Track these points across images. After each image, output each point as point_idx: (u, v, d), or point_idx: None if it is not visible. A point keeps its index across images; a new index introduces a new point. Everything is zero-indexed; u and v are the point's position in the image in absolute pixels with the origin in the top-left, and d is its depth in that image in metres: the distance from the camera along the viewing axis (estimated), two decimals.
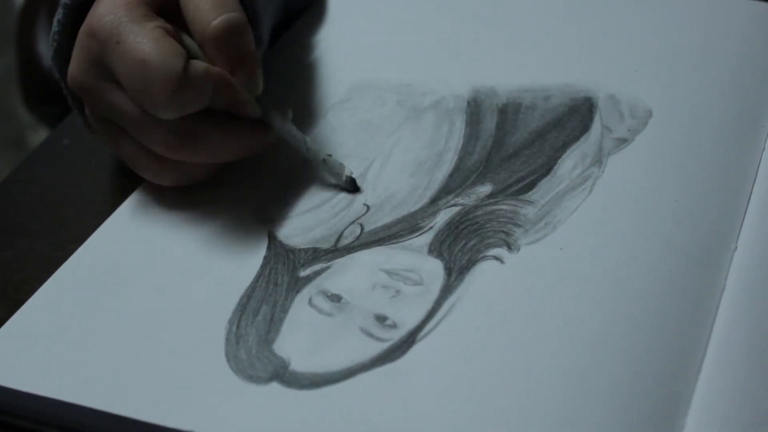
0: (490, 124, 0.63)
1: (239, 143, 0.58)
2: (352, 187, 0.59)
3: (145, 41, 0.54)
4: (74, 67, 0.57)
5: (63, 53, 0.60)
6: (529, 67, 0.67)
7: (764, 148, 0.60)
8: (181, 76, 0.54)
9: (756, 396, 0.48)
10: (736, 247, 0.55)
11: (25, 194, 0.65)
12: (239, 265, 0.55)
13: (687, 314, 0.52)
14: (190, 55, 0.56)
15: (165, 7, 0.57)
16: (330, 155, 0.60)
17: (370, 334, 0.51)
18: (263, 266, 0.55)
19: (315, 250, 0.56)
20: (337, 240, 0.57)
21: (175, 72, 0.54)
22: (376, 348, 0.51)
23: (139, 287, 0.55)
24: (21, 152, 1.47)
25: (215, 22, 0.55)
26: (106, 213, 0.59)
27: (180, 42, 0.56)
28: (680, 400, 0.48)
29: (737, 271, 0.54)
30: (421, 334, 0.51)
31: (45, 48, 0.79)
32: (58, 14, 0.60)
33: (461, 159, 0.61)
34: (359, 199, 0.59)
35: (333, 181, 0.60)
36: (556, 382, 0.49)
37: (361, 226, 0.57)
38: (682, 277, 0.53)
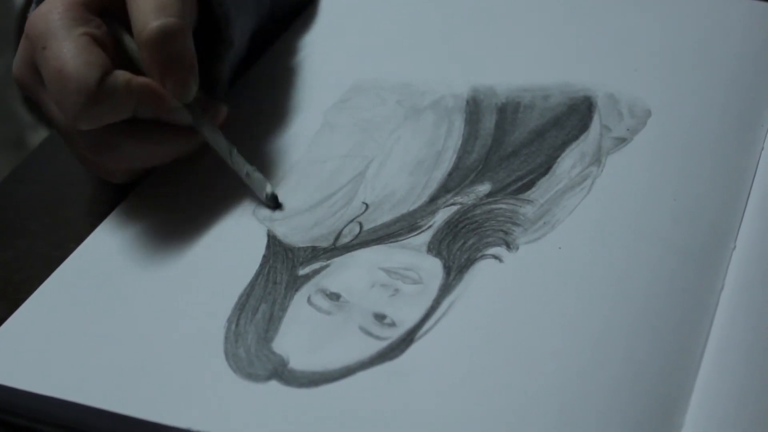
0: (489, 123, 0.63)
1: (162, 150, 0.58)
2: (273, 203, 0.58)
3: (65, 50, 0.54)
4: (15, 63, 0.58)
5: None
6: (529, 67, 0.67)
7: (763, 148, 0.60)
8: (94, 89, 0.53)
9: (754, 395, 0.48)
10: (735, 246, 0.55)
11: (25, 194, 0.65)
12: (238, 263, 0.55)
13: (685, 313, 0.52)
14: (129, 57, 0.56)
15: (110, 6, 0.57)
16: (255, 169, 0.59)
17: (368, 333, 0.51)
18: (262, 265, 0.55)
19: (314, 248, 0.56)
20: (336, 238, 0.57)
21: (88, 84, 0.53)
22: (374, 346, 0.51)
23: (138, 286, 0.55)
24: (21, 152, 1.47)
25: (150, 26, 0.55)
26: (105, 212, 0.59)
27: (120, 44, 0.56)
28: (679, 399, 0.48)
29: (736, 270, 0.54)
30: (420, 332, 0.51)
31: None
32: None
33: (460, 158, 0.61)
34: (358, 197, 0.59)
35: (258, 196, 0.59)
36: (554, 381, 0.49)
37: (360, 224, 0.57)
38: (680, 276, 0.53)
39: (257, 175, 0.59)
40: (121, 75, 0.55)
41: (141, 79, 0.56)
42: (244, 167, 0.59)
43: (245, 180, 0.59)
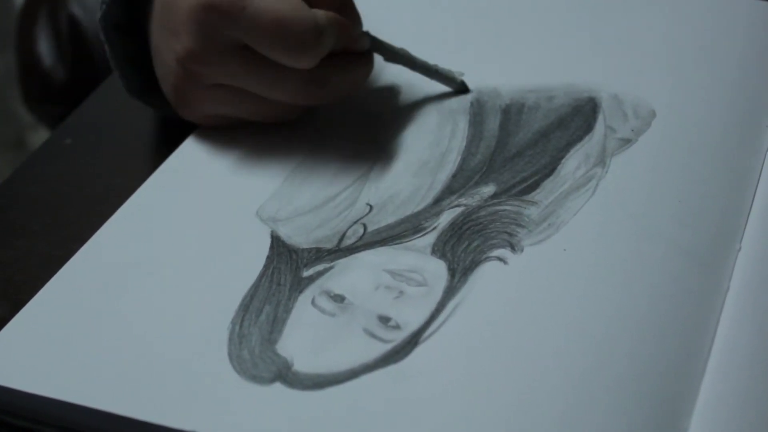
0: (493, 124, 0.63)
1: (355, 78, 0.62)
2: (464, 88, 0.65)
3: (271, 1, 0.57)
4: (191, 42, 0.58)
5: (111, 17, 0.62)
6: (533, 68, 0.67)
7: None
8: (315, 26, 0.57)
9: (760, 397, 0.48)
10: (740, 248, 0.55)
11: (27, 194, 0.65)
12: (242, 264, 0.55)
13: (691, 315, 0.52)
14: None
15: None
16: (436, 65, 0.65)
17: (373, 335, 0.51)
18: (266, 266, 0.55)
19: (318, 250, 0.56)
20: (340, 240, 0.56)
21: (312, 24, 0.57)
22: (379, 349, 0.51)
23: (141, 287, 0.55)
24: (21, 152, 1.47)
25: None
26: (107, 213, 0.59)
27: None
28: (684, 401, 0.48)
29: (741, 272, 0.53)
30: (425, 335, 0.51)
31: (45, 48, 0.79)
32: None
33: (464, 159, 0.61)
34: (362, 198, 0.59)
35: (446, 87, 0.65)
36: (559, 382, 0.49)
37: (364, 226, 0.57)
38: (685, 277, 0.53)
39: (443, 68, 0.65)
40: (320, 12, 0.58)
41: (334, 14, 0.59)
42: (430, 64, 0.65)
43: (433, 76, 0.65)
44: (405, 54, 0.64)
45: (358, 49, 0.62)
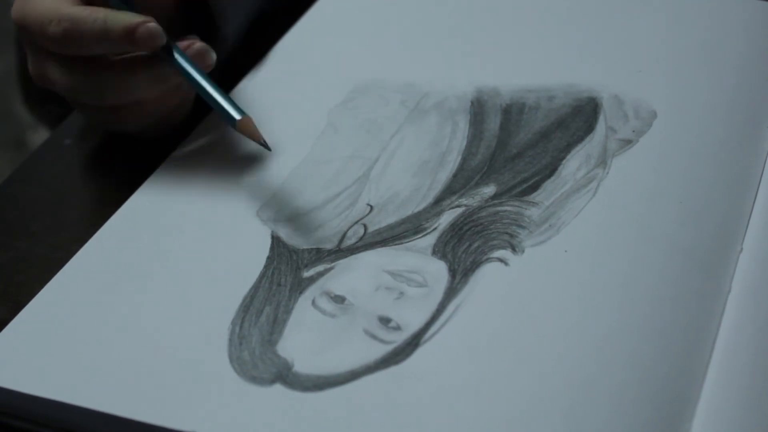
0: (493, 124, 0.63)
1: (139, 81, 0.60)
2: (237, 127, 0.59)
3: (38, 3, 0.59)
4: (29, 66, 0.62)
5: None
6: (533, 67, 0.67)
7: None
8: (62, 13, 0.58)
9: (762, 399, 0.48)
10: (742, 249, 0.55)
11: (26, 195, 0.65)
12: (242, 265, 0.55)
13: (692, 316, 0.51)
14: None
15: None
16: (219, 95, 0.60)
17: (374, 336, 0.51)
18: (266, 267, 0.55)
19: (318, 250, 0.56)
20: (341, 240, 0.56)
21: (57, 12, 0.58)
22: (380, 350, 0.51)
23: (140, 288, 0.55)
24: (21, 152, 1.47)
25: None
26: (107, 214, 0.59)
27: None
28: (686, 403, 0.48)
29: (743, 273, 0.53)
30: (426, 336, 0.51)
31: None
32: None
33: (465, 159, 0.61)
34: (363, 198, 0.59)
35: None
36: (560, 384, 0.49)
37: (365, 226, 0.57)
38: (687, 279, 0.53)
39: (226, 101, 0.59)
40: (89, 6, 0.59)
41: (104, 9, 0.59)
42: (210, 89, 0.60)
43: (210, 101, 0.60)
44: (191, 76, 0.60)
45: (148, 49, 0.60)
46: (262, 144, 0.59)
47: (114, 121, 0.63)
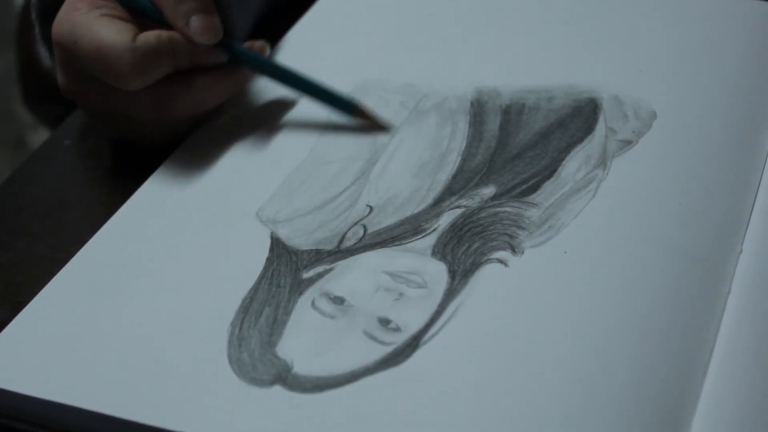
0: (493, 125, 0.63)
1: (212, 92, 0.63)
2: (352, 111, 0.63)
3: (94, 30, 0.59)
4: (59, 79, 0.63)
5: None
6: (533, 68, 0.67)
7: None
8: (131, 47, 0.59)
9: (762, 400, 0.48)
10: (741, 250, 0.55)
11: (26, 195, 0.65)
12: (241, 266, 0.55)
13: (692, 318, 0.51)
14: (151, 20, 0.61)
15: None
16: (329, 88, 0.63)
17: (373, 338, 0.51)
18: (266, 268, 0.55)
19: (318, 251, 0.56)
20: (340, 241, 0.56)
21: (125, 46, 0.59)
22: (379, 351, 0.50)
23: (140, 289, 0.54)
24: (21, 152, 1.47)
25: None
26: (107, 214, 0.59)
27: (140, 16, 0.61)
28: (686, 404, 0.48)
29: (742, 275, 0.53)
30: (425, 337, 0.51)
31: (45, 48, 0.79)
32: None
33: (464, 160, 0.61)
34: (362, 199, 0.59)
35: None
36: (560, 386, 0.49)
37: (364, 227, 0.57)
38: (686, 280, 0.53)
39: (337, 91, 0.63)
40: (151, 32, 0.60)
41: (167, 33, 0.61)
42: (317, 84, 0.63)
43: (319, 98, 0.63)
44: (283, 70, 0.64)
45: (213, 63, 0.62)
46: (382, 125, 0.62)
47: (159, 131, 0.63)
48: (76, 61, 0.60)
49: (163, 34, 0.60)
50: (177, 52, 0.60)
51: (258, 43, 0.64)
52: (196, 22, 0.61)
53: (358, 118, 0.63)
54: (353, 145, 0.62)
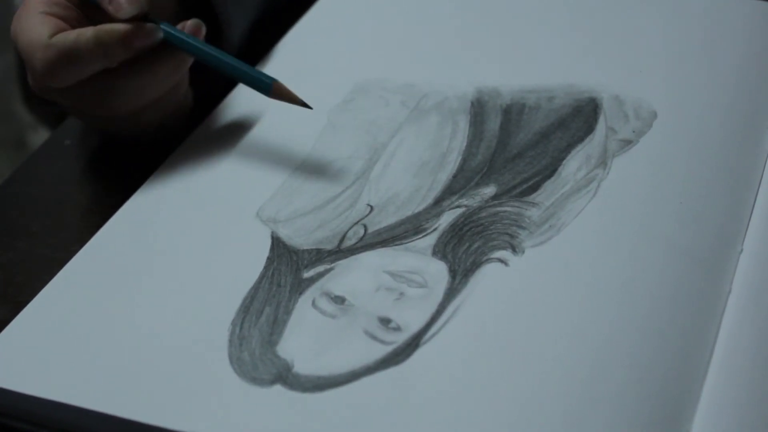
0: (493, 124, 0.63)
1: (151, 81, 0.61)
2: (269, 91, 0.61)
3: (25, 27, 0.59)
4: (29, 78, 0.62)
5: None
6: (533, 68, 0.67)
7: None
8: (46, 44, 0.58)
9: (762, 399, 0.48)
10: (742, 250, 0.55)
11: (26, 195, 0.65)
12: (242, 266, 0.55)
13: (693, 317, 0.51)
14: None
15: None
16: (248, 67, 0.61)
17: (374, 337, 0.51)
18: (266, 267, 0.55)
19: (318, 251, 0.56)
20: (341, 241, 0.56)
21: (40, 43, 0.58)
22: (380, 351, 0.50)
23: (141, 289, 0.54)
24: (21, 152, 1.47)
25: None
26: (107, 214, 0.59)
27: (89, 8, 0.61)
28: (686, 404, 0.48)
29: (743, 274, 0.53)
30: (426, 337, 0.51)
31: None
32: None
33: (465, 160, 0.61)
34: (363, 199, 0.59)
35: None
36: (560, 385, 0.49)
37: (365, 227, 0.57)
38: (687, 279, 0.53)
39: (255, 71, 0.61)
40: (73, 31, 0.59)
41: (94, 28, 0.59)
42: (238, 64, 0.61)
43: (240, 78, 0.62)
44: (205, 51, 0.62)
45: (145, 45, 0.60)
46: (300, 104, 0.60)
47: (125, 125, 0.63)
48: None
49: (87, 31, 0.59)
50: (107, 47, 0.59)
51: (191, 23, 0.62)
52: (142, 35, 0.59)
53: (278, 98, 0.61)
54: (353, 145, 0.62)
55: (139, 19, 0.60)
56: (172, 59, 0.61)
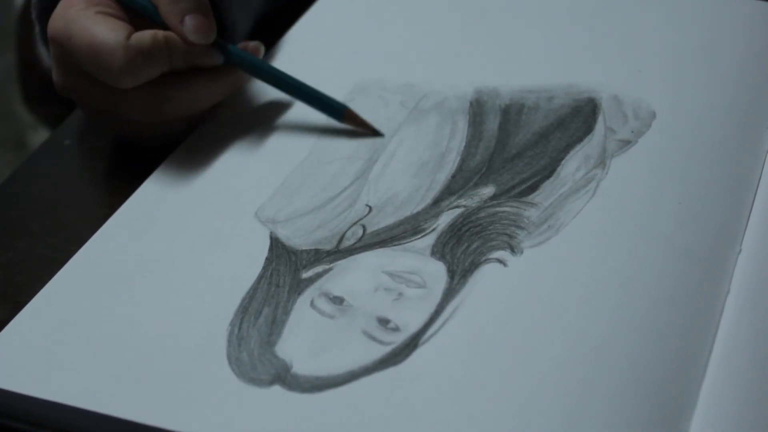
0: (492, 124, 0.63)
1: (206, 94, 0.62)
2: (342, 116, 0.63)
3: (88, 27, 0.59)
4: (54, 75, 0.62)
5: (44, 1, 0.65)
6: (532, 68, 0.67)
7: None
8: (124, 45, 0.59)
9: (761, 399, 0.48)
10: (741, 250, 0.55)
11: (26, 195, 0.65)
12: (241, 266, 0.55)
13: (691, 317, 0.51)
14: (147, 26, 0.61)
15: None
16: (318, 91, 0.63)
17: (372, 337, 0.51)
18: (265, 267, 0.55)
19: (317, 251, 0.56)
20: (339, 241, 0.56)
21: (119, 43, 0.59)
22: (378, 351, 0.51)
23: (140, 289, 0.55)
24: (21, 152, 1.47)
25: None
26: (106, 214, 0.59)
27: (135, 14, 0.61)
28: (685, 404, 0.48)
29: (741, 274, 0.53)
30: (424, 337, 0.51)
31: (45, 48, 0.80)
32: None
33: (464, 160, 0.61)
34: (361, 199, 0.59)
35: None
36: (559, 385, 0.49)
37: (364, 227, 0.57)
38: (686, 279, 0.53)
39: (325, 95, 0.63)
40: (147, 32, 0.60)
41: (163, 32, 0.61)
42: (308, 87, 0.63)
43: (308, 101, 0.63)
44: (275, 73, 0.64)
45: (209, 64, 0.62)
46: (371, 131, 0.62)
47: (156, 131, 0.63)
48: (70, 58, 0.60)
49: (159, 33, 0.60)
50: (173, 52, 0.60)
51: (252, 44, 0.64)
52: (190, 21, 0.61)
53: (349, 123, 0.63)
54: (353, 145, 0.62)
55: None
56: (231, 77, 0.63)
